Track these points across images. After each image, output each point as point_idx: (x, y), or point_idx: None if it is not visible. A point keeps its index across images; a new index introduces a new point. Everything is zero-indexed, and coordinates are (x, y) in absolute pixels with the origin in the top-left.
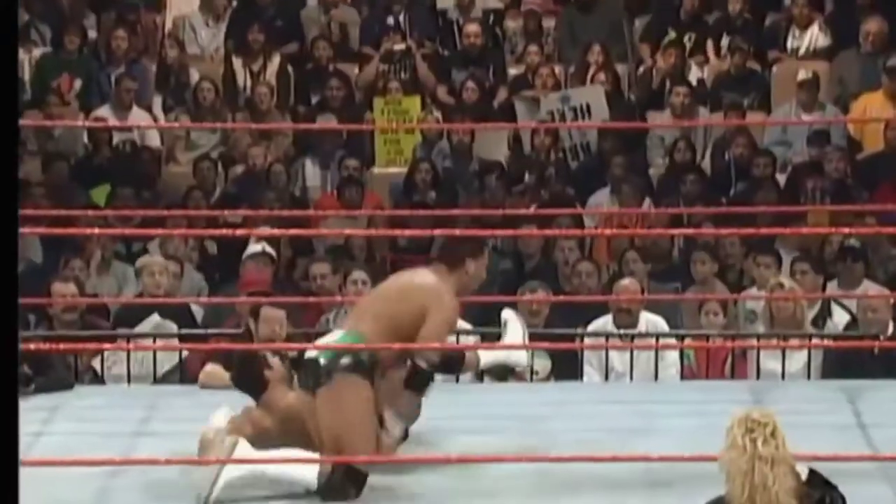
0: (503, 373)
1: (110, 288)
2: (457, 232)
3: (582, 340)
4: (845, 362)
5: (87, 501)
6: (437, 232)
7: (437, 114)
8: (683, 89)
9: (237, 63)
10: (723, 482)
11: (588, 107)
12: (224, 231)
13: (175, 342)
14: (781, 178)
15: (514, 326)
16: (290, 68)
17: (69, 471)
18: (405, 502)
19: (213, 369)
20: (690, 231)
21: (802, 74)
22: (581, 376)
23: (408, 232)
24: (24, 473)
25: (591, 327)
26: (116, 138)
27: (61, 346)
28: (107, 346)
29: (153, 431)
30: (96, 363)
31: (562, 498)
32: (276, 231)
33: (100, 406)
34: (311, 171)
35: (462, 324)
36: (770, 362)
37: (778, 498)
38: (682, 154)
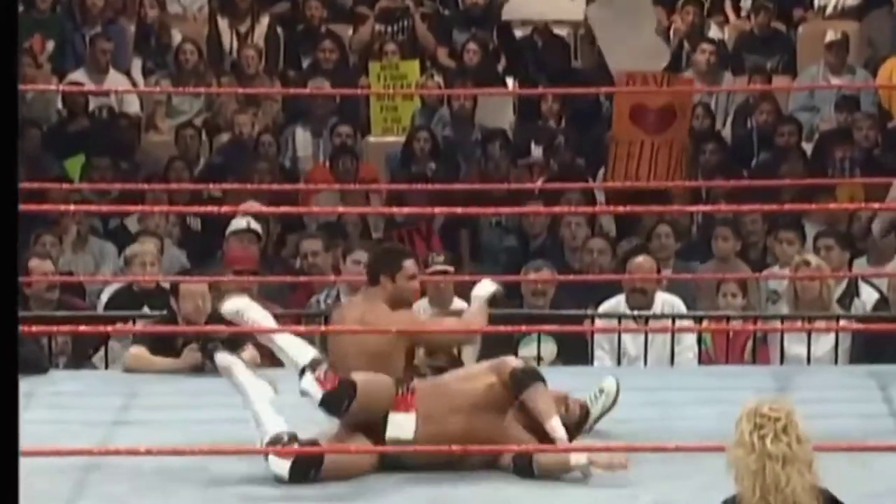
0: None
1: (86, 266)
2: (458, 210)
3: (592, 322)
4: (875, 346)
5: (64, 493)
6: (438, 210)
7: (438, 78)
8: (709, 46)
9: (223, 24)
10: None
11: None
12: (208, 207)
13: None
14: (808, 147)
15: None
16: (279, 29)
17: (45, 461)
18: (406, 491)
19: (138, 352)
20: (708, 207)
21: (830, 35)
22: (591, 361)
23: (406, 209)
24: None
25: (603, 308)
26: (92, 104)
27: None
28: (83, 328)
29: (132, 420)
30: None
31: (571, 489)
32: (264, 208)
33: (76, 392)
34: (302, 140)
35: (463, 305)
36: (794, 346)
37: (794, 498)
38: (700, 121)
